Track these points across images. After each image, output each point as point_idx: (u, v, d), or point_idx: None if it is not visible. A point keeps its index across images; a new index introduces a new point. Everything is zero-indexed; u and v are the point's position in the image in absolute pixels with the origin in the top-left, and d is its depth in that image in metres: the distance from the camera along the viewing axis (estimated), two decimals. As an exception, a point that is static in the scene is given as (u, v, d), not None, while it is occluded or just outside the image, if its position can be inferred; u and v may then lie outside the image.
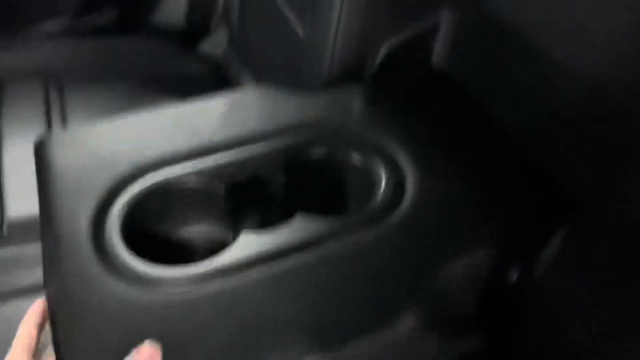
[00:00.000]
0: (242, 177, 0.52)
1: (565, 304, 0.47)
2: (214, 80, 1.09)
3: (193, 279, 0.44)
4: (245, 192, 0.53)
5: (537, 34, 0.51)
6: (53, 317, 0.43)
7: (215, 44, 1.18)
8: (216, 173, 0.52)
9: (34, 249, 0.72)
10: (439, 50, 0.66)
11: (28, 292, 0.71)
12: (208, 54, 1.17)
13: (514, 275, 0.49)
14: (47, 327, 0.45)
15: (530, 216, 0.50)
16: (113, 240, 0.46)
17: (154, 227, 0.53)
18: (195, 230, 0.56)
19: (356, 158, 0.55)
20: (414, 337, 0.44)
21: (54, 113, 0.90)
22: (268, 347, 0.40)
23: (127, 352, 0.39)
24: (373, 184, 0.53)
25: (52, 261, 0.46)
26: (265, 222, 0.56)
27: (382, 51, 0.65)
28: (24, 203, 0.76)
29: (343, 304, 0.43)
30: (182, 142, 0.54)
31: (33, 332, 0.46)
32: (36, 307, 0.48)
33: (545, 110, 0.53)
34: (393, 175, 0.52)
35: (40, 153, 0.54)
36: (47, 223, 0.48)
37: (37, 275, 0.71)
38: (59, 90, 0.93)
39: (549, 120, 0.53)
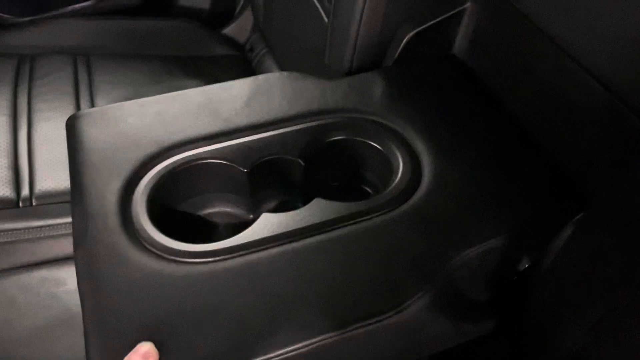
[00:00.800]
0: (264, 161, 0.53)
1: (572, 293, 0.48)
2: (237, 64, 1.10)
3: (213, 254, 0.46)
4: (266, 176, 0.54)
5: (558, 30, 0.52)
6: (80, 285, 0.45)
7: (239, 28, 1.19)
8: (238, 155, 0.53)
9: (61, 222, 0.75)
10: (460, 40, 0.66)
11: (55, 262, 0.74)
12: (232, 38, 1.19)
13: (524, 264, 0.50)
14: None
15: (543, 207, 0.51)
16: (139, 215, 0.48)
17: (178, 206, 0.55)
18: (217, 211, 0.57)
19: (374, 145, 0.56)
20: (424, 319, 0.45)
21: (82, 90, 0.92)
22: (281, 323, 0.42)
23: (148, 321, 0.41)
24: (390, 170, 0.54)
25: (81, 233, 0.48)
26: (284, 206, 0.57)
27: (405, 39, 0.66)
28: (52, 176, 0.79)
29: (356, 284, 0.44)
30: (206, 124, 0.56)
31: None
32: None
33: (561, 104, 0.53)
34: (410, 163, 0.54)
35: (72, 130, 0.56)
36: (77, 197, 0.50)
37: (63, 246, 0.74)
38: (87, 68, 0.96)
39: (565, 114, 0.53)
